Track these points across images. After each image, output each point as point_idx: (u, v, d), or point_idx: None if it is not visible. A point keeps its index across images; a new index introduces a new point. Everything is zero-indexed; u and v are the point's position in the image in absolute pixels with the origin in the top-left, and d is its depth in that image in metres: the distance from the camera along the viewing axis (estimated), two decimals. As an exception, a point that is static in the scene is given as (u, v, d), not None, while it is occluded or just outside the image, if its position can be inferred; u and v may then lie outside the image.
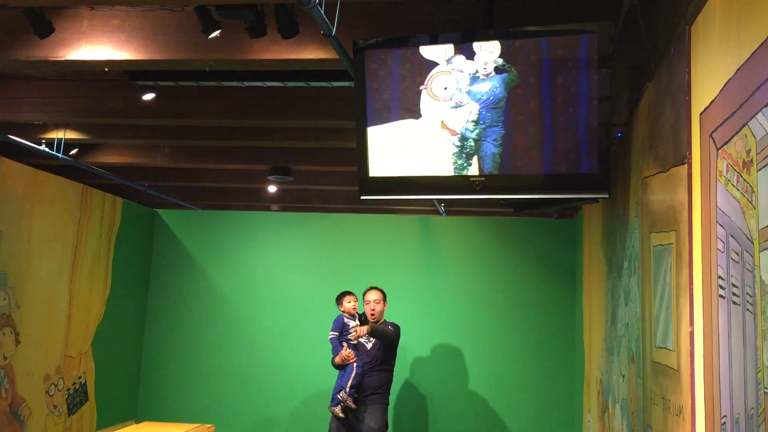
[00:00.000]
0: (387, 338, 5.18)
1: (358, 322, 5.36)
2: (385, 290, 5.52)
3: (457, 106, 3.61)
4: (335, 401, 5.18)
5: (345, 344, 5.28)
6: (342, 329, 5.34)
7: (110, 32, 4.14)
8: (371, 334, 5.10)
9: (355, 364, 5.20)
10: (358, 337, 5.15)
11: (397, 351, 5.51)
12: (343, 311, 5.43)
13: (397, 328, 5.37)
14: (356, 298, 5.46)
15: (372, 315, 5.38)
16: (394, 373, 5.42)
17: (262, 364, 6.83)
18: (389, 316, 5.55)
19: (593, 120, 3.35)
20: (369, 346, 5.28)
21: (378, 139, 3.81)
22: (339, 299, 5.47)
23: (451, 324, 6.67)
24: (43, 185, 5.52)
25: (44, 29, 3.96)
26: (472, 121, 3.59)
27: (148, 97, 5.35)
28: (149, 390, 6.95)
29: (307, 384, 6.61)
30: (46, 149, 6.36)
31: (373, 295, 5.42)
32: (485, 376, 6.57)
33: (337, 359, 5.26)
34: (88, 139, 6.58)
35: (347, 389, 5.13)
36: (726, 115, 1.89)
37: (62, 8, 4.13)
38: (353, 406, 5.11)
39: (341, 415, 5.15)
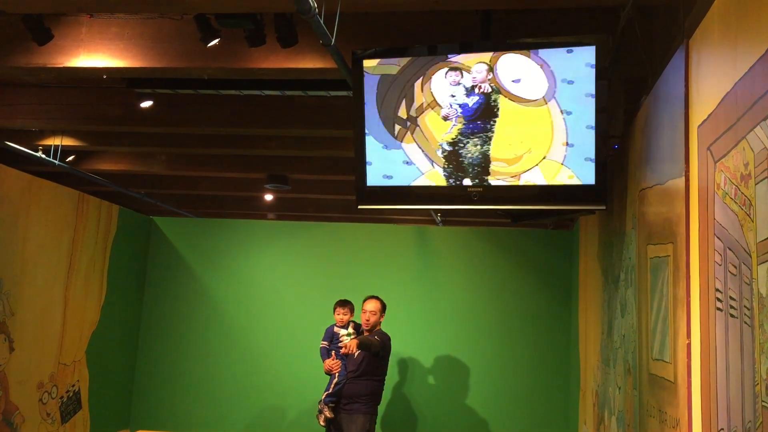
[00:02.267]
0: (370, 350, 5.12)
1: (351, 331, 5.34)
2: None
3: (449, 117, 3.62)
4: (319, 411, 5.20)
5: (333, 353, 5.27)
6: (332, 338, 5.34)
7: (109, 40, 4.15)
8: (359, 346, 5.03)
9: (337, 374, 5.20)
10: (347, 353, 5.09)
11: (391, 360, 5.48)
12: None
13: (384, 338, 5.29)
14: (348, 311, 5.43)
15: (366, 323, 5.34)
16: (385, 382, 5.37)
17: (257, 372, 6.80)
18: (386, 325, 5.53)
19: (590, 132, 3.37)
20: (356, 354, 5.23)
21: (375, 148, 3.82)
22: (334, 308, 5.48)
23: (447, 334, 6.65)
24: (39, 192, 5.50)
25: (43, 36, 3.96)
26: (464, 133, 3.60)
27: (146, 104, 5.36)
28: (143, 398, 6.91)
29: (303, 393, 6.58)
30: (43, 156, 6.36)
31: (370, 305, 5.35)
32: (480, 386, 6.55)
33: (324, 369, 5.27)
34: (85, 146, 6.59)
35: (323, 398, 5.15)
36: (724, 129, 1.89)
37: (61, 15, 4.13)
38: (329, 415, 5.11)
39: (322, 424, 5.17)
